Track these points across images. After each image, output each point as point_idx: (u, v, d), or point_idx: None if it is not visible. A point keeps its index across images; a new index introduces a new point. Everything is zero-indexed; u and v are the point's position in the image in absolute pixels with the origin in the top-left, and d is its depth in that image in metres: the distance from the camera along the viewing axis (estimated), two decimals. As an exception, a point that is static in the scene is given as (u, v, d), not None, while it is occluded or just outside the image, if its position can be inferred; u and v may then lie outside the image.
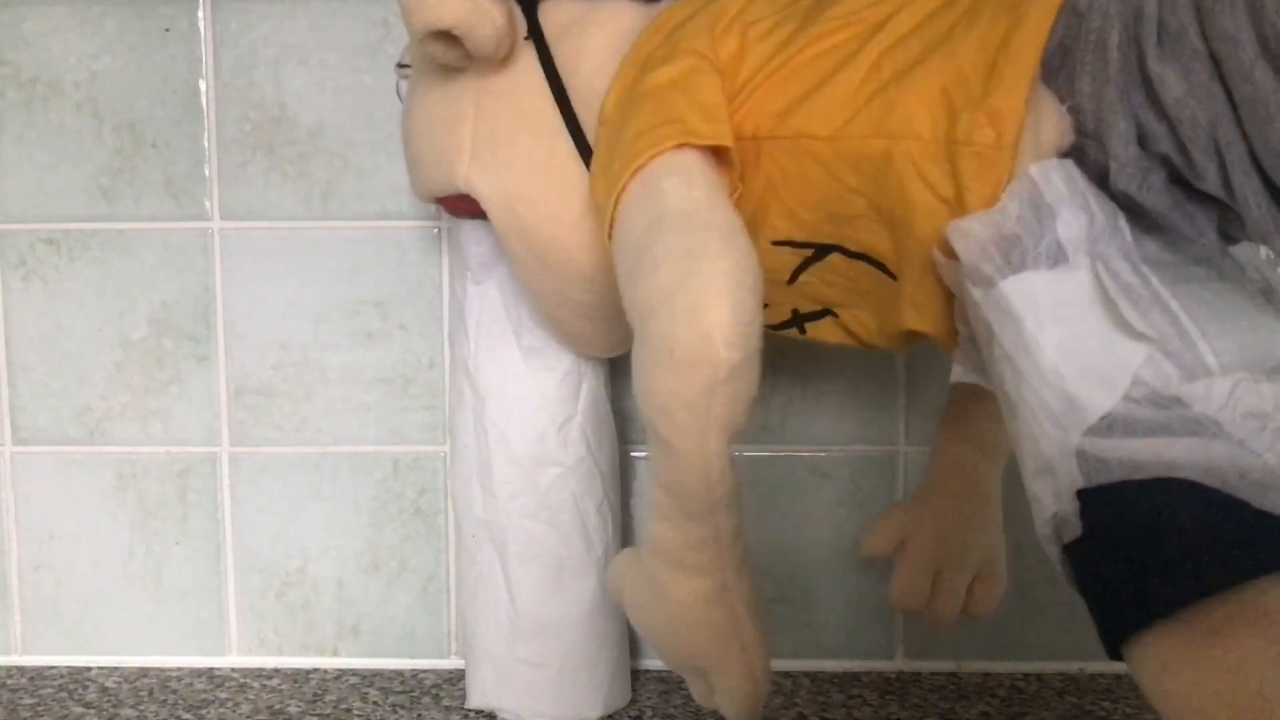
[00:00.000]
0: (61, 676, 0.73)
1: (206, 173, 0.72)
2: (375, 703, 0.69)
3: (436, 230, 0.71)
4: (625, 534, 0.69)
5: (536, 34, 0.53)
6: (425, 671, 0.73)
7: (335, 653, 0.74)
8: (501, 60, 0.53)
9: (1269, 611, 0.34)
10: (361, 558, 0.74)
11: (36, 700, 0.69)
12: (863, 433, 0.72)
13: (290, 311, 0.72)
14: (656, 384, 0.43)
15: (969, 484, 0.58)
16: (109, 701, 0.69)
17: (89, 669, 0.74)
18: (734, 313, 0.42)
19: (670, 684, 0.71)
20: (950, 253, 0.43)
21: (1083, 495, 0.37)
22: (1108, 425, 0.37)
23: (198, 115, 0.71)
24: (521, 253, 0.56)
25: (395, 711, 0.67)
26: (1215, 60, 0.36)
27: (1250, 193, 0.37)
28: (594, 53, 0.53)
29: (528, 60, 0.53)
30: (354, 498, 0.73)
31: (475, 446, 0.63)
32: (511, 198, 0.54)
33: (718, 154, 0.47)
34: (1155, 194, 0.40)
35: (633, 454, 0.72)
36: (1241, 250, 0.44)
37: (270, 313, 0.72)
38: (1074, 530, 0.38)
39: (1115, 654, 0.37)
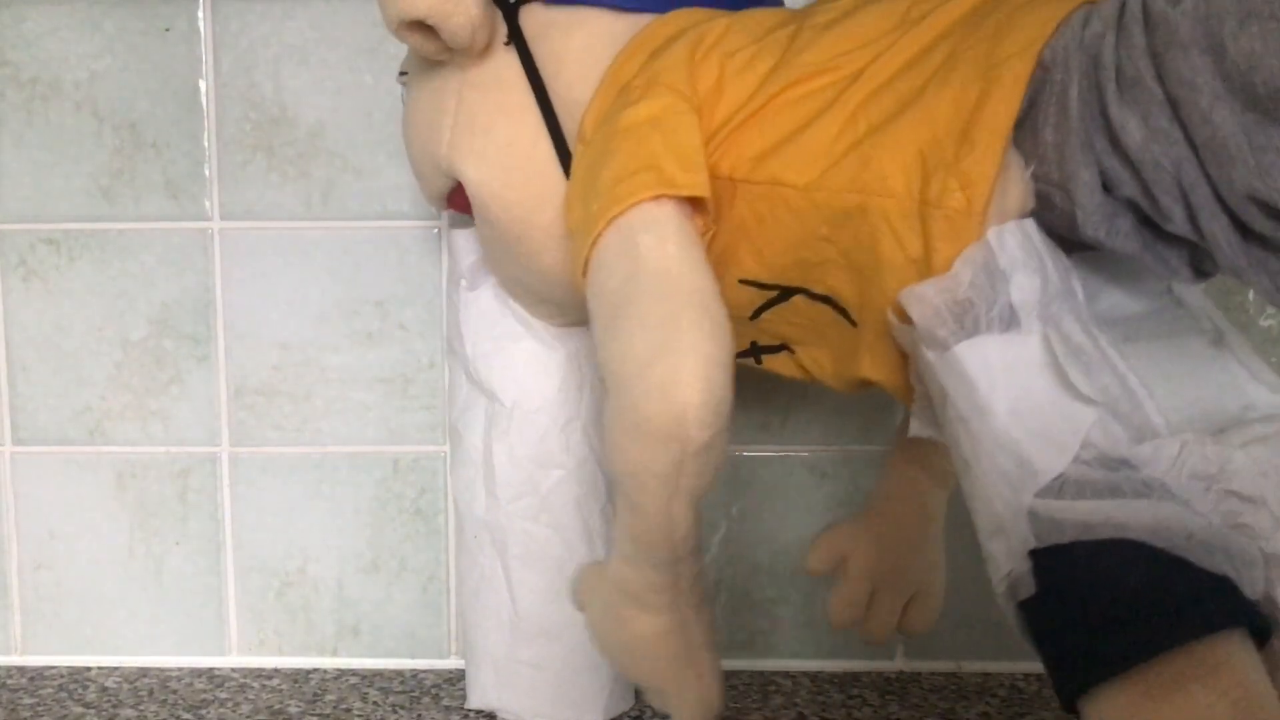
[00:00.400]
0: (61, 676, 0.73)
1: (206, 173, 0.72)
2: (375, 703, 0.69)
3: (436, 230, 0.71)
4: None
5: (517, 36, 0.53)
6: (425, 671, 0.73)
7: (335, 653, 0.74)
8: (481, 53, 0.53)
9: (1219, 665, 0.35)
10: (361, 558, 0.74)
11: (36, 700, 0.69)
12: (863, 433, 0.72)
13: (290, 311, 0.72)
14: (627, 451, 0.44)
15: (913, 507, 0.59)
16: (109, 701, 0.69)
17: (89, 669, 0.74)
18: (706, 393, 0.42)
19: (670, 684, 0.71)
20: (904, 316, 0.43)
21: (1035, 555, 0.38)
22: (1059, 486, 0.38)
23: (198, 115, 0.71)
24: (489, 237, 0.57)
25: (395, 711, 0.67)
26: (1173, 104, 0.37)
27: (1219, 230, 0.38)
28: (574, 56, 0.53)
29: (510, 58, 0.53)
30: (354, 498, 0.73)
31: (482, 448, 0.63)
32: (484, 189, 0.54)
33: (694, 200, 0.47)
34: (1123, 238, 0.41)
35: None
36: (1193, 296, 0.44)
37: (270, 313, 0.72)
38: (1028, 588, 0.39)
39: (1071, 709, 0.38)
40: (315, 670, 0.74)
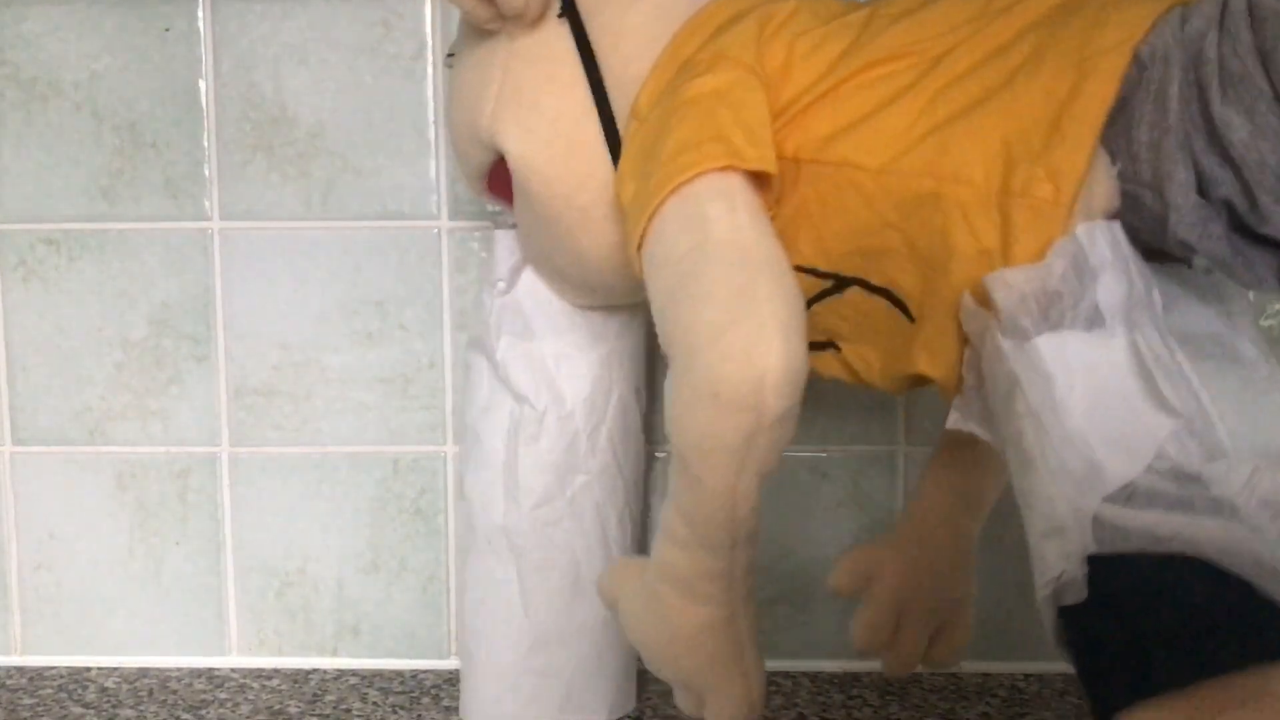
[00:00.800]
0: (61, 677, 0.73)
1: (206, 173, 0.72)
2: (375, 703, 0.69)
3: (436, 230, 0.71)
4: (644, 543, 0.69)
5: (571, 9, 0.52)
6: (425, 672, 0.73)
7: (335, 653, 0.74)
8: (533, 24, 0.52)
9: (1270, 693, 0.34)
10: (361, 558, 0.74)
11: (36, 700, 0.69)
12: (863, 433, 0.72)
13: (290, 311, 0.72)
14: (696, 422, 0.42)
15: (948, 535, 0.57)
16: (109, 702, 0.69)
17: (89, 669, 0.74)
18: (787, 359, 0.41)
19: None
20: (984, 300, 0.42)
21: (1093, 561, 0.37)
22: (1128, 494, 0.37)
23: (198, 115, 0.71)
24: (526, 214, 0.56)
25: (395, 712, 0.67)
26: None
27: None
28: (633, 31, 0.51)
29: (562, 30, 0.52)
30: (354, 498, 0.73)
31: (504, 451, 0.62)
32: (526, 163, 0.53)
33: (759, 177, 0.46)
34: (1214, 241, 0.40)
35: (657, 454, 0.71)
36: (1247, 324, 0.44)
37: (270, 313, 0.72)
38: (1078, 594, 0.38)
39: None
40: (315, 670, 0.73)
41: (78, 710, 0.68)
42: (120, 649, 0.74)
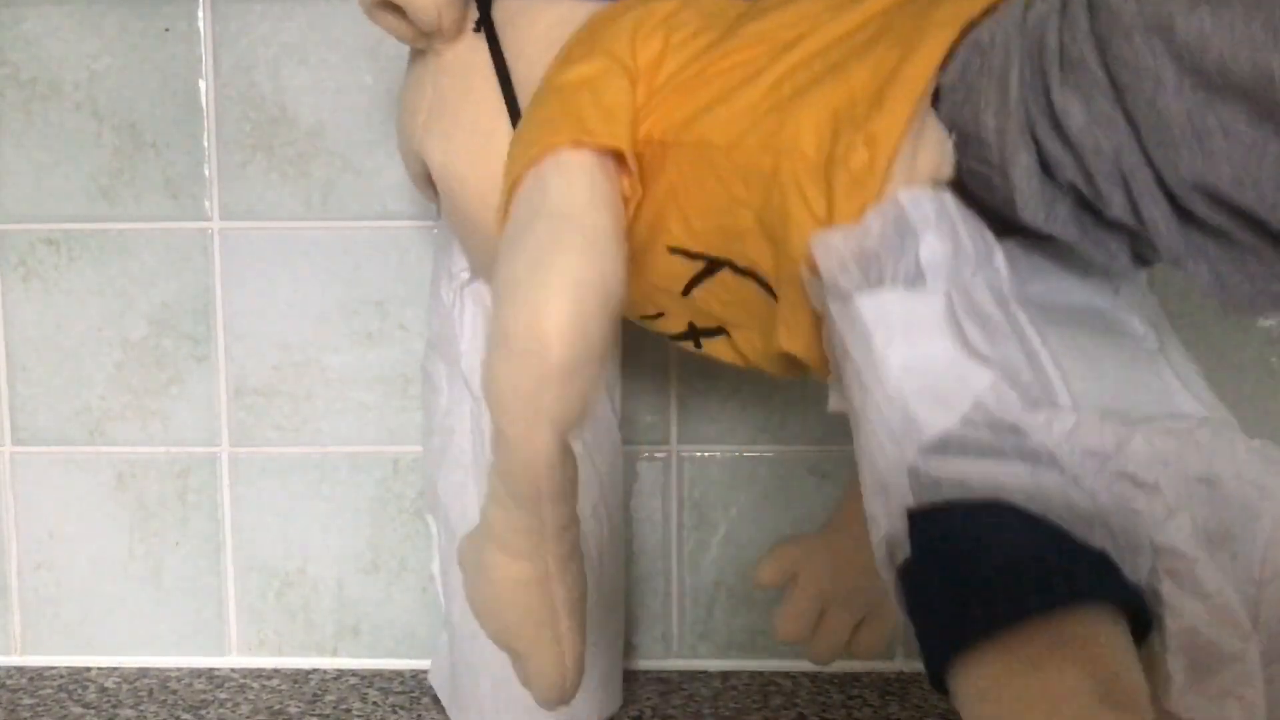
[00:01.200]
0: (61, 677, 0.73)
1: (206, 173, 0.72)
2: (375, 703, 0.69)
3: (436, 230, 0.71)
4: (625, 536, 0.69)
5: (487, 22, 0.54)
6: (425, 672, 0.73)
7: (335, 653, 0.74)
8: (453, 39, 0.54)
9: (1087, 640, 0.34)
10: (361, 558, 0.74)
11: (36, 700, 0.69)
12: (863, 433, 0.72)
13: (290, 311, 0.72)
14: (495, 370, 0.45)
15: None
16: (109, 702, 0.69)
17: (88, 669, 0.74)
18: (572, 310, 0.43)
19: (670, 685, 0.71)
20: (814, 269, 0.43)
21: (912, 515, 0.37)
22: (942, 444, 0.37)
23: (197, 115, 0.71)
24: (454, 220, 0.58)
25: (395, 712, 0.67)
26: (1117, 88, 0.36)
27: (1159, 216, 0.37)
28: (537, 41, 0.54)
29: (479, 43, 0.55)
30: (354, 498, 0.73)
31: (472, 450, 0.62)
32: (449, 171, 0.55)
33: (616, 158, 0.48)
34: (1061, 223, 0.40)
35: (645, 456, 0.72)
36: (1142, 303, 0.44)
37: (270, 313, 0.72)
38: (904, 551, 0.37)
39: (939, 685, 0.37)
40: (315, 670, 0.74)
41: (78, 710, 0.68)
42: (120, 649, 0.74)
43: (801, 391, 0.71)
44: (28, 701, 0.69)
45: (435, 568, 0.67)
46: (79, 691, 0.71)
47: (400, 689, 0.71)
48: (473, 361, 0.62)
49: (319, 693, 0.70)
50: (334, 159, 0.71)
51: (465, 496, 0.63)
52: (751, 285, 0.48)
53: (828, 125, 0.43)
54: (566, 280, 0.43)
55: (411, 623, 0.74)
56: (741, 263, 0.48)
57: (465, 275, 0.62)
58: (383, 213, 0.71)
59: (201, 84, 0.71)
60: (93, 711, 0.68)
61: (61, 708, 0.68)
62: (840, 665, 0.73)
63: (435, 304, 0.64)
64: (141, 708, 0.68)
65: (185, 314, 0.72)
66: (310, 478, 0.73)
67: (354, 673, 0.73)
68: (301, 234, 0.72)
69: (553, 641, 0.49)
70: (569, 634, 0.49)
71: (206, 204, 0.72)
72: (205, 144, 0.71)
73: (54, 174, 0.72)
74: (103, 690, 0.71)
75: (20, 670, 0.74)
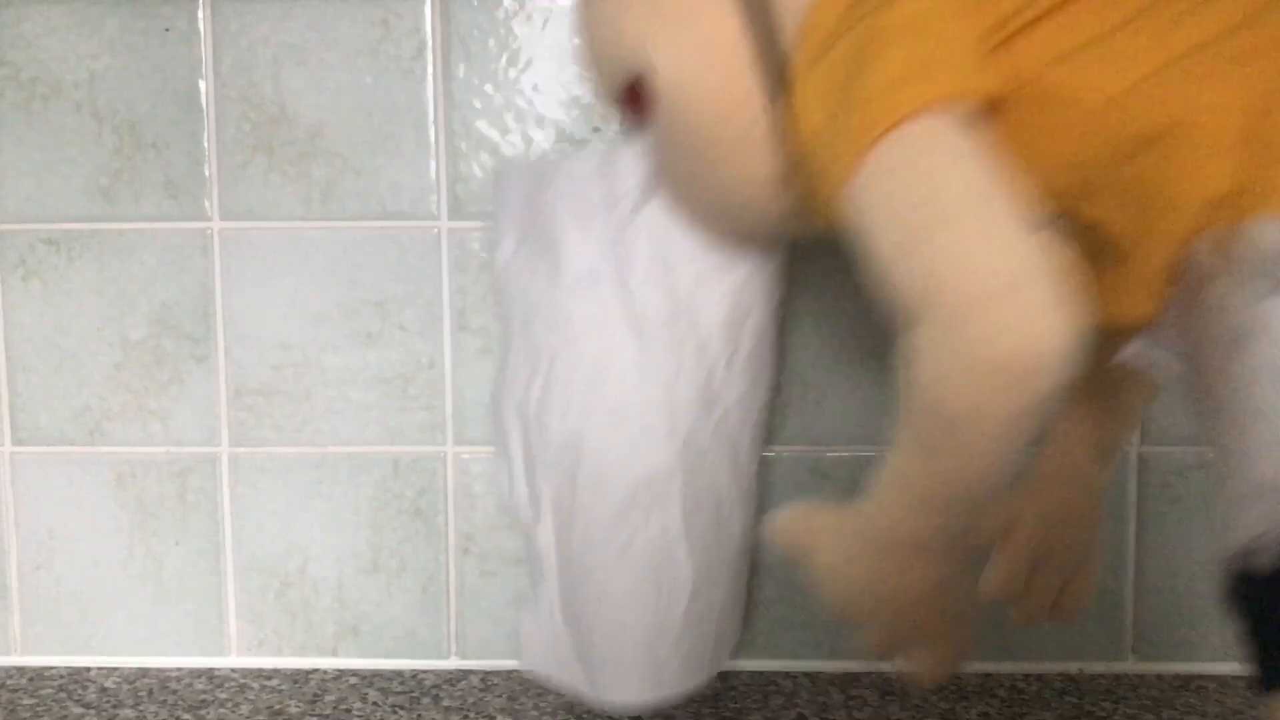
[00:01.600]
0: (61, 677, 0.73)
1: (206, 173, 0.72)
2: (375, 703, 0.69)
3: (436, 230, 0.71)
4: (761, 470, 0.68)
5: None
6: (425, 672, 0.73)
7: (335, 653, 0.74)
8: None
9: None
10: (361, 558, 0.74)
11: (36, 700, 0.69)
12: (863, 433, 0.72)
13: (290, 311, 0.72)
14: (964, 393, 0.38)
15: (1078, 486, 0.57)
16: (108, 702, 0.69)
17: (88, 669, 0.74)
18: (1072, 327, 0.37)
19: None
20: (1218, 248, 0.40)
21: None
22: None
23: (197, 115, 0.71)
24: (666, 140, 0.52)
25: (395, 712, 0.67)
26: None
27: None
28: None
29: None
30: (354, 498, 0.73)
31: (640, 403, 0.57)
32: (673, 83, 0.49)
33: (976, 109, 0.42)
34: None
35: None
36: None
37: (270, 313, 0.72)
38: (1270, 561, 0.36)
39: (1263, 691, 0.36)
40: (315, 670, 0.73)
41: (78, 710, 0.68)
42: (120, 649, 0.74)
43: (802, 391, 0.71)
44: (28, 701, 0.69)
45: (545, 540, 0.60)
46: (79, 692, 0.70)
47: (400, 689, 0.71)
48: (645, 298, 0.57)
49: (319, 693, 0.70)
50: (334, 159, 0.71)
51: (639, 446, 0.57)
52: (1083, 244, 0.43)
53: (1245, 94, 0.40)
54: (1056, 296, 0.37)
55: (411, 623, 0.74)
56: (1085, 218, 0.43)
57: (632, 202, 0.57)
58: (383, 213, 0.71)
59: (201, 84, 0.71)
60: (93, 711, 0.68)
61: (61, 708, 0.68)
62: (840, 665, 0.73)
63: (583, 234, 0.58)
64: (141, 708, 0.68)
65: (185, 314, 0.72)
66: (310, 478, 0.73)
67: (354, 673, 0.73)
68: (301, 234, 0.72)
69: (961, 628, 0.48)
70: (965, 623, 0.49)
71: (206, 204, 0.72)
72: (205, 144, 0.71)
73: (54, 174, 0.72)
74: (103, 690, 0.71)
75: (20, 670, 0.74)
